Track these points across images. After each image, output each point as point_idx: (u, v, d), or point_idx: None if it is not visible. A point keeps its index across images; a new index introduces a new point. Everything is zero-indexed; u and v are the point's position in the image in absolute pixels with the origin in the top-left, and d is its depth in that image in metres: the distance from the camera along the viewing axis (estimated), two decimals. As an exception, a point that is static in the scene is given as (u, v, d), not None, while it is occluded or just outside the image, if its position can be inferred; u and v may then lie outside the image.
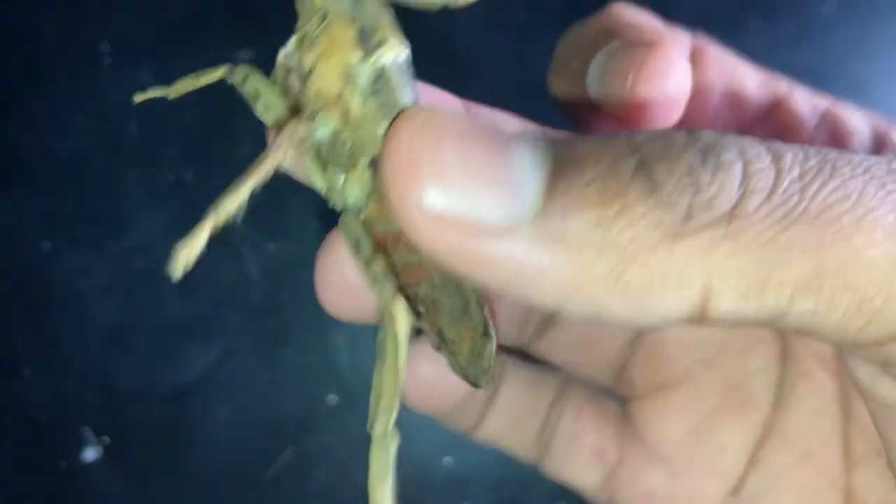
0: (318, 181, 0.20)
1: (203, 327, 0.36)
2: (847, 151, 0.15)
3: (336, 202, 0.20)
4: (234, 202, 0.18)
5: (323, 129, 0.19)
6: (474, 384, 0.21)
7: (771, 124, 0.23)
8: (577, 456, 0.25)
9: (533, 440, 0.25)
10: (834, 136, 0.23)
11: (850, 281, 0.14)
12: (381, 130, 0.18)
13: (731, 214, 0.14)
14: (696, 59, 0.24)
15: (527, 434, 0.25)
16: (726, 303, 0.14)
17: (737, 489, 0.23)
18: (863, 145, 0.22)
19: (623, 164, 0.15)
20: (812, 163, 0.14)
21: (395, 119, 0.15)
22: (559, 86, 0.24)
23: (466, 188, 0.14)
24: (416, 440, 0.35)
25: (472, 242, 0.14)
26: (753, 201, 0.14)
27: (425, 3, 0.18)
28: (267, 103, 0.19)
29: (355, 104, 0.18)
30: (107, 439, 0.36)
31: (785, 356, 0.23)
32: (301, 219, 0.37)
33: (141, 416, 0.36)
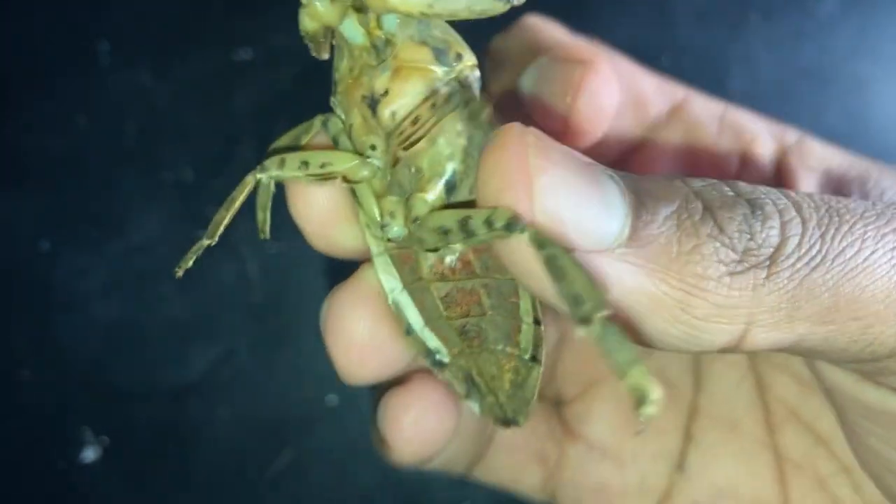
0: (368, 212, 0.20)
1: (203, 327, 0.36)
2: (843, 199, 0.18)
3: (387, 231, 0.20)
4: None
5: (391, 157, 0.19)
6: (510, 422, 0.21)
7: (674, 128, 0.25)
8: (515, 459, 0.26)
9: (468, 448, 0.24)
10: (739, 142, 0.25)
11: (856, 313, 0.17)
12: (463, 142, 0.19)
13: (772, 258, 0.17)
14: None
15: (462, 443, 0.24)
16: (761, 334, 0.17)
17: (680, 466, 0.25)
18: (767, 148, 0.25)
19: (692, 206, 0.17)
20: (822, 211, 0.17)
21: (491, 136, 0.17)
22: (495, 86, 0.26)
23: (574, 202, 0.16)
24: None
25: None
26: (788, 247, 0.17)
27: (485, 10, 0.18)
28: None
29: (446, 119, 0.19)
30: (106, 439, 0.36)
31: None
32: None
33: (141, 416, 0.36)
